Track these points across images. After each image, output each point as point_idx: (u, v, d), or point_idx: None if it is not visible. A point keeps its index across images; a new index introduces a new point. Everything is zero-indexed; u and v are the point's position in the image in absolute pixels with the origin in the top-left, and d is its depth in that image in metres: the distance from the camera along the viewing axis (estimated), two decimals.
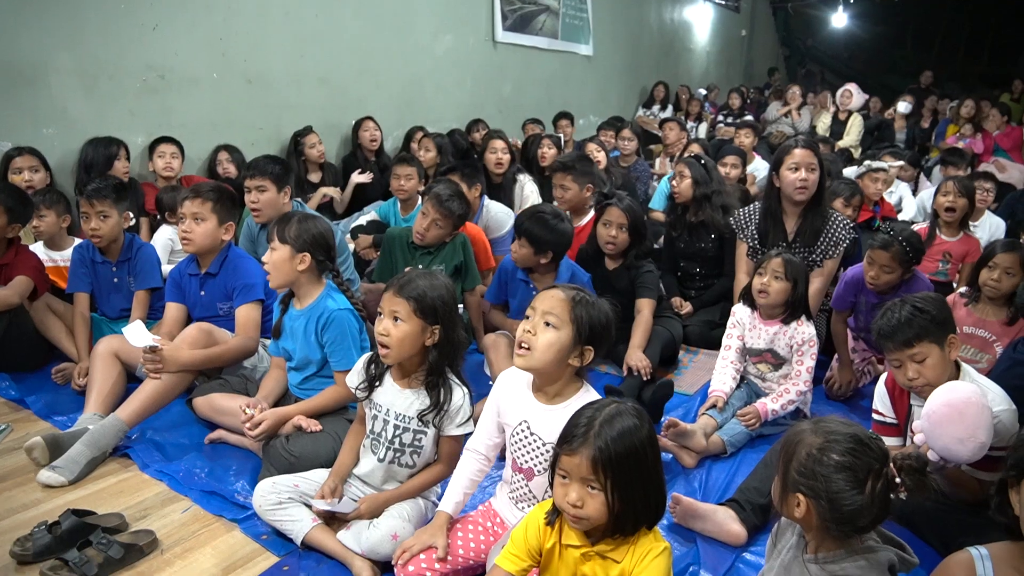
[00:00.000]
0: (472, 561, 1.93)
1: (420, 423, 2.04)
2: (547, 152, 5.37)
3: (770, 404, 2.79)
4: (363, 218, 4.63)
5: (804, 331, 2.84)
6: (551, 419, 1.82)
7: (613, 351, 3.26)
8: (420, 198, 4.05)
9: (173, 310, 2.93)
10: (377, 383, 2.10)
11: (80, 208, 3.18)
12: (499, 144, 4.93)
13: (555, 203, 4.01)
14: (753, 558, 2.14)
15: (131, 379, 2.84)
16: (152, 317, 3.17)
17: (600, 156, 5.41)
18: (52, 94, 4.11)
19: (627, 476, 1.49)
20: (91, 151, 4.13)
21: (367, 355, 2.13)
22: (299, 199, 3.89)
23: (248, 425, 2.33)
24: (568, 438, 1.53)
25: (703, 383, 3.27)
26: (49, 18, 4.01)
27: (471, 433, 2.05)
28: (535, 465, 1.88)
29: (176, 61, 4.60)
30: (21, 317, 3.07)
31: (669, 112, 9.37)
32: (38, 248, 3.48)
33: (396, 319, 1.97)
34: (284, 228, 2.43)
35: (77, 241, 3.44)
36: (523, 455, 1.89)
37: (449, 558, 1.89)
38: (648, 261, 3.41)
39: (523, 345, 1.82)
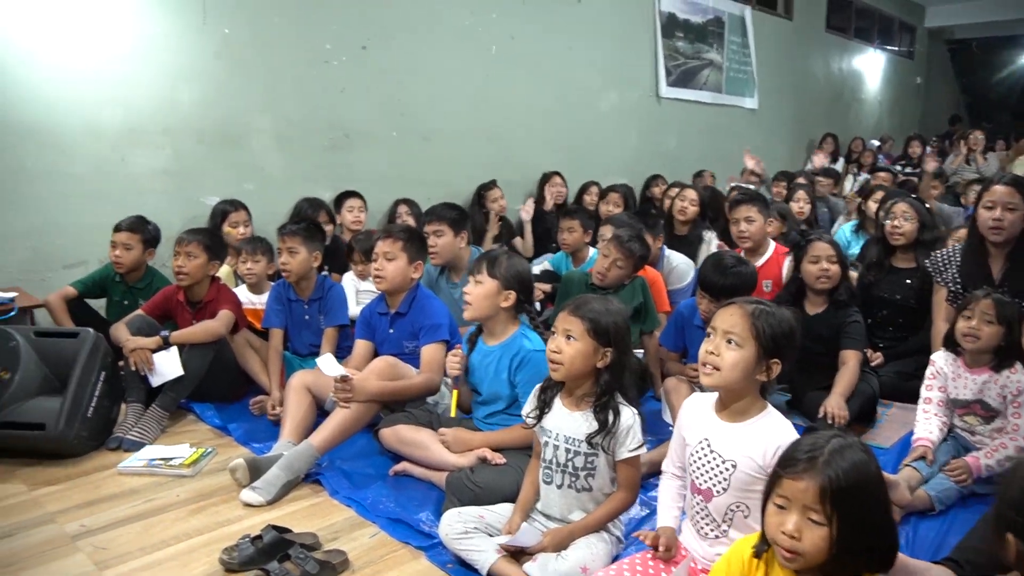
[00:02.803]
0: None
1: (590, 447, 2.01)
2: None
3: (984, 459, 2.53)
4: (537, 268, 4.70)
5: (1020, 379, 2.58)
6: (733, 437, 1.79)
7: (802, 400, 3.11)
8: (589, 249, 4.09)
9: (362, 347, 3.06)
10: (547, 409, 2.09)
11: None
12: (690, 194, 4.78)
13: (738, 234, 3.90)
14: None
15: (320, 412, 2.97)
16: (339, 354, 3.31)
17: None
18: (253, 153, 4.49)
19: (857, 512, 1.37)
20: (302, 206, 4.44)
21: (540, 383, 2.14)
22: (476, 246, 4.01)
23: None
24: (791, 461, 1.43)
25: (899, 436, 3.03)
26: (252, 85, 4.42)
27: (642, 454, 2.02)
28: (713, 485, 1.80)
29: (359, 121, 4.92)
30: (223, 351, 3.29)
31: (840, 164, 9.00)
32: (241, 291, 3.76)
33: (569, 337, 1.98)
34: (493, 263, 2.50)
35: (272, 283, 3.69)
36: (702, 475, 1.83)
37: None
38: (854, 310, 3.23)
39: (708, 365, 1.77)
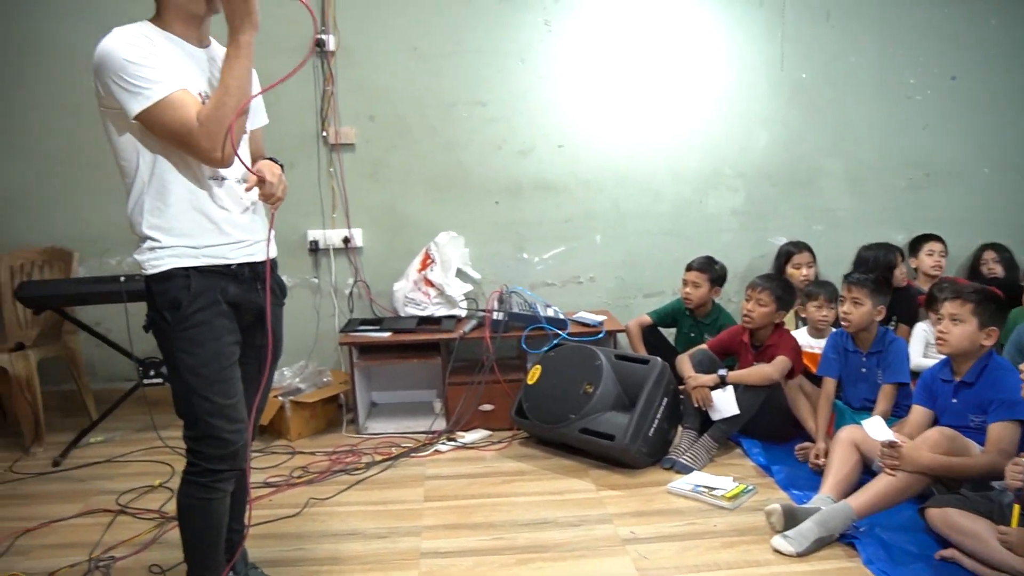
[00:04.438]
0: None
1: None
2: None
3: None
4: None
5: None
6: None
7: None
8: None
9: (918, 414, 2.85)
10: None
11: (840, 292, 3.42)
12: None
13: None
14: None
15: (866, 471, 2.86)
16: (895, 414, 3.15)
17: None
18: (822, 194, 4.49)
19: None
20: (868, 254, 4.27)
21: None
22: None
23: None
24: None
25: None
26: (825, 126, 4.41)
27: None
28: None
29: (943, 157, 4.53)
30: (776, 393, 3.39)
31: None
32: (801, 333, 3.81)
33: None
34: None
35: (834, 330, 3.65)
36: None
37: None
38: None
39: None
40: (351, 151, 4.16)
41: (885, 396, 3.19)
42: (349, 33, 4.05)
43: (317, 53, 4.00)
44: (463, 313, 4.08)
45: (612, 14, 4.19)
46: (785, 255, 4.30)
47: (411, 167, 4.22)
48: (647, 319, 4.11)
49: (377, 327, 3.88)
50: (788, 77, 4.36)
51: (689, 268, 4.02)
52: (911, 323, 3.92)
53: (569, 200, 4.33)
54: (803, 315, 3.90)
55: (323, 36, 3.97)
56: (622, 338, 4.10)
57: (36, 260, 4.07)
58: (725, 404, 3.31)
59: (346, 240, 4.18)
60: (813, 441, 3.27)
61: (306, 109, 4.06)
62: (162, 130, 1.78)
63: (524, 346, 3.78)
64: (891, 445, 2.53)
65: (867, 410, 3.23)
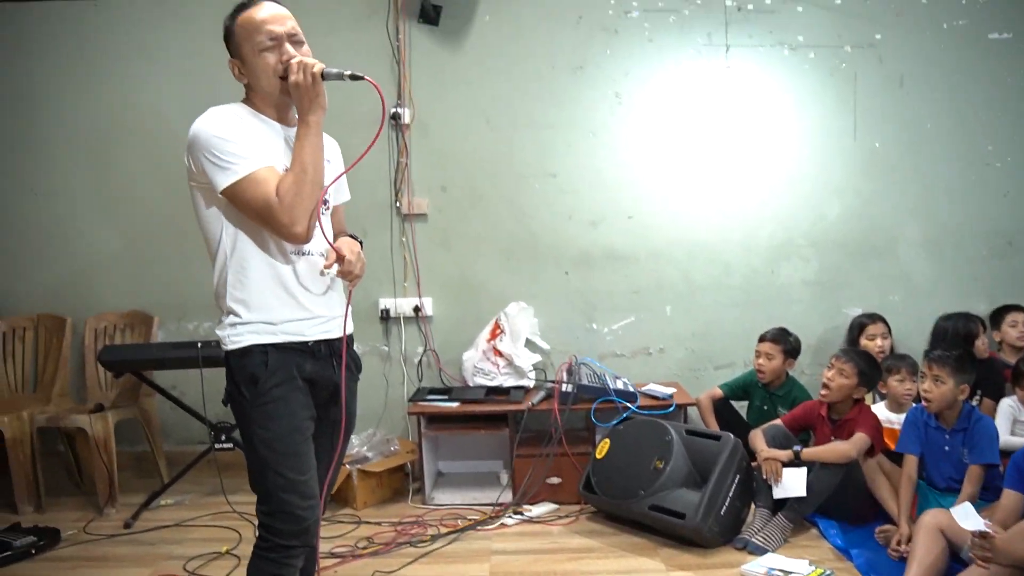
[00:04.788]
0: None
1: None
2: None
3: None
4: None
5: None
6: None
7: None
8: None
9: (1011, 499, 2.68)
10: None
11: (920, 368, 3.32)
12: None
13: None
14: None
15: (954, 558, 2.71)
16: (983, 497, 2.99)
17: None
18: (899, 262, 4.38)
19: None
20: (947, 324, 4.12)
21: None
22: None
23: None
24: None
25: None
26: (902, 194, 4.33)
27: None
28: None
29: None
30: (854, 471, 3.26)
31: None
32: (880, 408, 3.68)
33: None
34: None
35: (914, 404, 3.52)
36: None
37: None
38: None
39: None
40: (423, 220, 4.25)
41: (972, 478, 3.03)
42: (424, 106, 4.18)
43: (392, 125, 4.14)
44: (531, 383, 4.06)
45: (681, 86, 4.24)
46: (859, 326, 4.18)
47: (482, 237, 4.29)
48: (718, 392, 4.04)
49: (446, 396, 3.90)
50: (861, 145, 4.31)
51: (762, 339, 3.95)
52: (996, 398, 3.74)
53: (639, 271, 4.32)
54: (882, 390, 3.77)
55: (398, 109, 4.10)
56: (692, 411, 4.02)
57: (118, 323, 4.25)
58: (793, 483, 3.19)
59: (416, 309, 4.24)
60: (894, 523, 3.12)
61: (380, 180, 4.18)
62: (246, 205, 1.85)
63: (593, 419, 3.74)
64: (983, 535, 2.39)
65: (952, 491, 3.09)
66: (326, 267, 1.96)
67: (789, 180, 4.31)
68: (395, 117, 4.11)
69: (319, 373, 2.01)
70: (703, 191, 4.30)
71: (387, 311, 4.25)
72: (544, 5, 4.20)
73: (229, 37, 1.97)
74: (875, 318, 4.16)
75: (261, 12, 1.93)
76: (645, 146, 4.26)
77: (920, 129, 4.31)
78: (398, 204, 4.21)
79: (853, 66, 4.26)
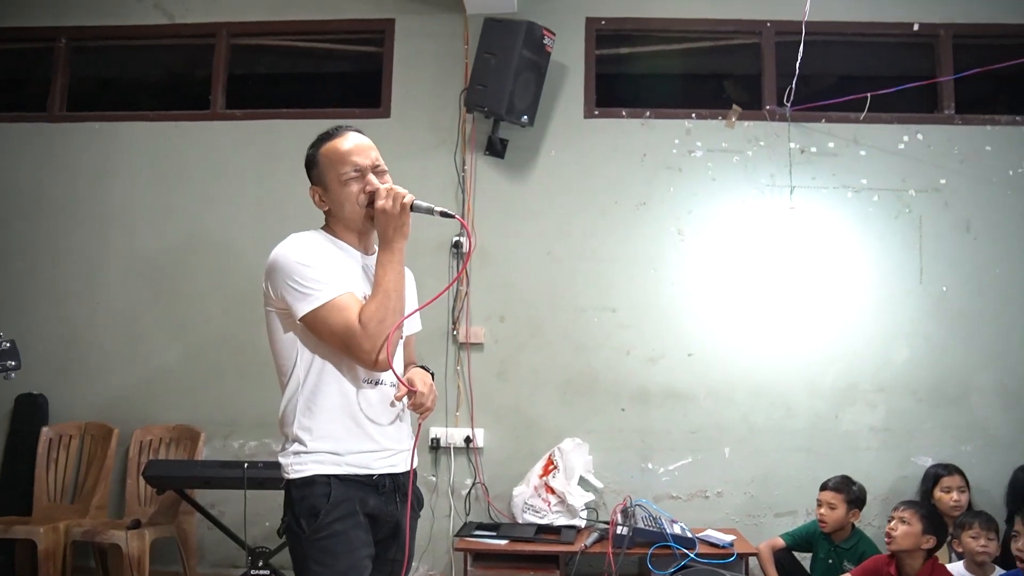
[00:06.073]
0: None
1: None
2: None
3: None
4: None
5: None
6: None
7: None
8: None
9: None
10: None
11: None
12: None
13: None
14: None
15: None
16: None
17: None
18: (972, 411, 4.19)
19: None
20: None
21: None
22: None
23: None
24: None
25: None
26: (973, 340, 4.19)
27: None
28: None
29: None
30: None
31: None
32: (956, 567, 3.42)
33: None
34: None
35: (1000, 570, 3.26)
36: None
37: None
38: None
39: None
40: (479, 350, 4.22)
41: None
42: (486, 236, 4.23)
43: (453, 254, 4.17)
44: (583, 523, 3.89)
45: (744, 224, 4.25)
46: (933, 477, 3.96)
47: (538, 369, 4.23)
48: (780, 542, 3.80)
49: (494, 533, 3.74)
50: (927, 290, 4.22)
51: (824, 488, 3.73)
52: None
53: (697, 410, 4.20)
54: (958, 548, 3.52)
55: (460, 238, 4.14)
56: (752, 561, 3.78)
57: (164, 437, 4.21)
58: None
59: (468, 440, 4.14)
60: None
61: (438, 306, 4.15)
62: (326, 331, 1.83)
63: (650, 565, 3.53)
64: None
65: None
66: (397, 397, 1.90)
67: (854, 322, 4.21)
68: (457, 246, 4.15)
69: (381, 508, 1.93)
70: (765, 331, 4.21)
71: (437, 440, 4.15)
72: (609, 142, 4.30)
73: (312, 165, 2.00)
74: (952, 469, 3.93)
75: (346, 143, 1.96)
76: (707, 283, 4.23)
77: (989, 274, 4.22)
78: (455, 332, 4.19)
79: (918, 210, 4.24)
